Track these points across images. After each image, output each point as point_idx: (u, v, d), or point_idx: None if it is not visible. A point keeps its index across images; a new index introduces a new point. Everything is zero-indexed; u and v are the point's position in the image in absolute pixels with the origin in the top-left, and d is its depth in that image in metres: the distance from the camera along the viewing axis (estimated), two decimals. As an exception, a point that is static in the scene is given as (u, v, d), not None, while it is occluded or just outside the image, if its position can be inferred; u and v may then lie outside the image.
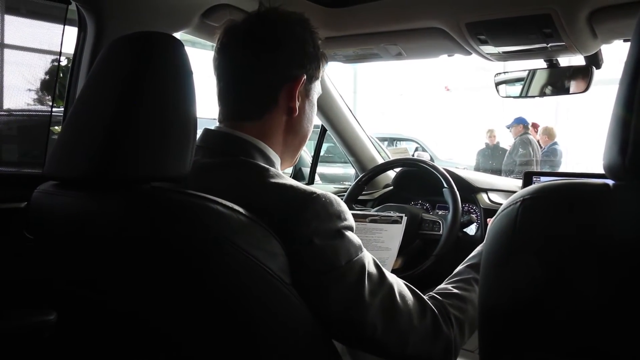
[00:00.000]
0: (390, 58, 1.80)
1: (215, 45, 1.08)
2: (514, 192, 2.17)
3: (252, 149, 1.02)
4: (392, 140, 10.49)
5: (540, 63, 1.75)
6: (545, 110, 10.86)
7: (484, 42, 1.52)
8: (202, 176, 0.96)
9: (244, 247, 0.81)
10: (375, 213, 1.90)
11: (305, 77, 1.06)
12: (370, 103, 13.43)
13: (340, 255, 0.90)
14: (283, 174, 0.99)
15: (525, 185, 2.15)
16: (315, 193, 0.91)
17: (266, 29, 1.04)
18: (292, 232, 0.87)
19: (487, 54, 1.61)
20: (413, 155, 4.05)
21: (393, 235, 1.72)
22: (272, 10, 1.06)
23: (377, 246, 1.71)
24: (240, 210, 0.84)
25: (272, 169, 0.98)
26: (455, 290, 1.09)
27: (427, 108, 14.02)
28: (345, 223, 0.93)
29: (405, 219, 1.76)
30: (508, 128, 8.29)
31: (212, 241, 0.80)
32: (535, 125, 8.35)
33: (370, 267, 0.94)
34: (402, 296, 0.97)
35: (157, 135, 0.84)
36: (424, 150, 10.01)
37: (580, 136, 10.93)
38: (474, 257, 1.22)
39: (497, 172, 7.87)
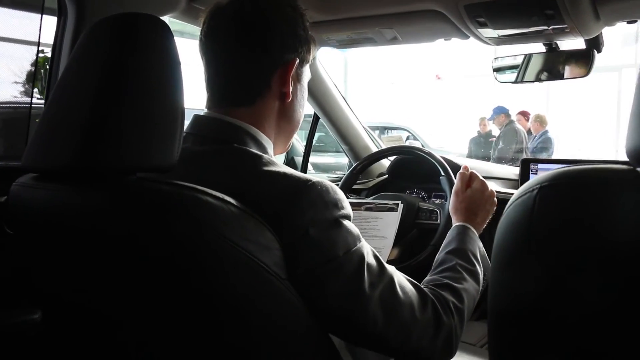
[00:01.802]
0: (385, 43, 1.75)
1: (201, 29, 1.03)
2: (512, 179, 2.16)
3: (244, 135, 0.98)
4: (383, 129, 10.45)
5: (537, 47, 1.71)
6: (537, 97, 10.85)
7: (483, 25, 1.47)
8: (192, 165, 0.92)
9: (236, 240, 0.77)
10: (371, 201, 1.86)
11: (297, 60, 1.02)
12: (362, 91, 13.36)
13: (338, 246, 0.86)
14: (277, 162, 0.95)
15: (523, 173, 2.12)
16: (310, 181, 0.87)
17: (255, 10, 0.99)
18: (287, 222, 0.83)
19: (486, 37, 1.56)
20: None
21: (389, 223, 1.69)
22: None
23: (372, 235, 1.68)
24: (232, 201, 0.80)
25: (265, 155, 0.94)
26: (446, 280, 1.07)
27: (418, 96, 13.99)
28: (343, 212, 0.90)
29: (401, 206, 1.72)
30: (490, 120, 8.27)
31: (202, 235, 0.76)
32: (525, 113, 8.32)
33: (369, 258, 0.91)
34: (402, 287, 0.94)
35: (143, 123, 0.79)
36: (415, 138, 10.00)
37: (571, 123, 10.95)
38: (452, 242, 1.22)
39: (489, 160, 7.86)
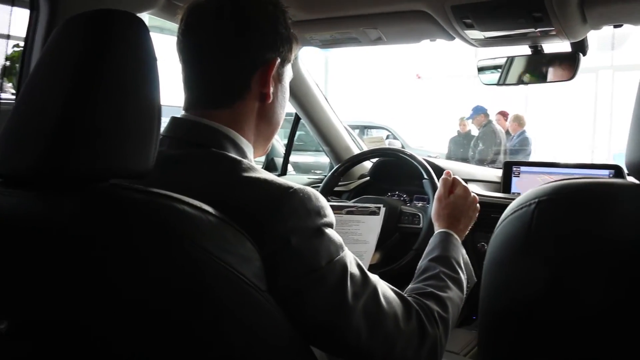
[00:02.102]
0: (369, 43, 1.71)
1: (179, 26, 0.98)
2: (494, 182, 2.15)
3: (223, 139, 0.94)
4: (363, 128, 10.45)
5: (520, 50, 1.70)
6: (516, 98, 10.93)
7: (470, 26, 1.45)
8: (168, 170, 0.88)
9: (215, 252, 0.74)
10: (352, 204, 1.83)
11: (278, 60, 0.98)
12: (342, 91, 13.35)
13: (321, 256, 0.83)
14: (257, 167, 0.91)
15: (505, 175, 2.11)
16: (292, 188, 0.84)
17: (235, 7, 0.95)
18: (268, 231, 0.80)
19: (472, 39, 1.54)
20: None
21: (371, 227, 1.66)
22: None
23: (354, 239, 1.65)
24: (210, 210, 0.76)
25: (244, 161, 0.91)
26: (430, 289, 1.05)
27: (398, 96, 14.02)
28: (326, 220, 0.87)
29: (383, 210, 1.69)
30: (468, 119, 8.30)
31: (179, 247, 0.72)
32: (504, 113, 8.36)
33: (352, 268, 0.88)
34: (386, 298, 0.91)
35: (117, 125, 0.74)
36: (395, 138, 10.00)
37: (548, 124, 11.06)
38: (435, 249, 1.20)
39: (468, 161, 7.89)
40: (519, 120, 7.91)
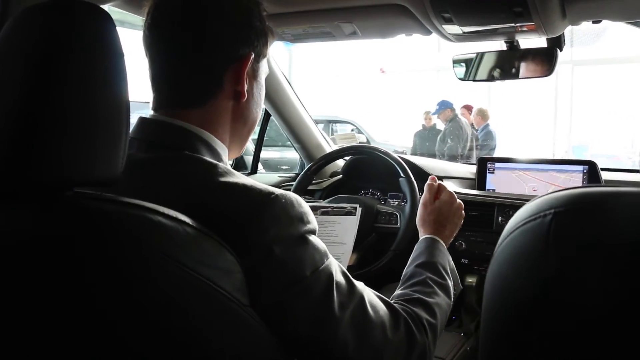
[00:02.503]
0: (344, 37, 1.66)
1: (144, 20, 0.91)
2: (468, 179, 2.13)
3: (196, 141, 0.88)
4: (327, 123, 10.42)
5: (492, 45, 1.67)
6: (479, 92, 11.05)
7: (448, 21, 1.40)
8: (138, 175, 0.81)
9: (193, 266, 0.69)
10: (327, 204, 1.78)
11: (253, 55, 0.92)
12: (306, 85, 13.29)
13: (305, 265, 0.79)
14: (234, 171, 0.86)
15: (480, 172, 2.09)
16: (273, 193, 0.79)
17: None
18: (249, 241, 0.75)
19: (450, 34, 1.50)
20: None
21: (347, 228, 1.62)
22: None
23: (330, 240, 1.60)
24: (187, 220, 0.71)
25: (220, 164, 0.85)
26: (417, 295, 1.02)
27: (362, 89, 14.04)
28: (309, 226, 0.83)
29: (359, 209, 1.65)
30: (434, 114, 8.33)
31: (154, 261, 0.67)
32: (468, 107, 8.43)
33: (338, 276, 0.84)
34: (373, 306, 0.88)
35: (81, 128, 0.67)
36: (360, 132, 9.99)
37: (511, 117, 11.22)
38: (421, 255, 1.17)
39: (434, 154, 7.92)
40: (482, 114, 7.98)
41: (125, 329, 0.66)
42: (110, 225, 0.66)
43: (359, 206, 1.68)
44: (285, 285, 0.77)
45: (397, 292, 1.06)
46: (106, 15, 0.71)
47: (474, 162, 2.24)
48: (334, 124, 10.73)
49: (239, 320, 0.73)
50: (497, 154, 7.83)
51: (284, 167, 4.67)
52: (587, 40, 10.07)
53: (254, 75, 0.95)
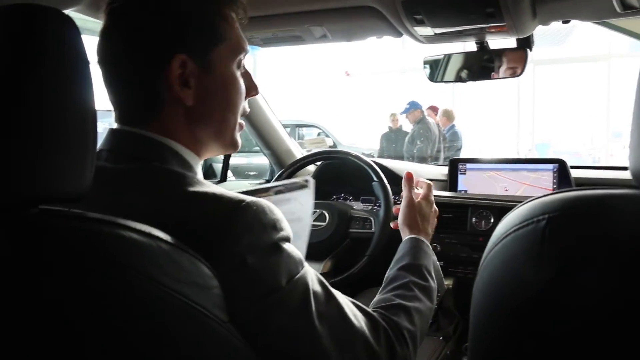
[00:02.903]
0: (313, 41, 1.64)
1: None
2: (441, 180, 2.12)
3: (164, 151, 0.85)
4: (294, 127, 10.41)
5: (466, 46, 1.67)
6: (443, 93, 11.17)
7: (420, 23, 1.39)
8: (107, 188, 0.78)
9: (170, 284, 0.65)
10: (278, 183, 1.74)
11: (186, 57, 0.84)
12: (271, 89, 13.27)
13: (280, 274, 0.76)
14: (204, 180, 0.83)
15: (451, 173, 2.09)
16: (244, 201, 0.76)
17: (144, 1, 0.85)
18: (221, 251, 0.72)
19: (421, 35, 1.49)
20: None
21: (303, 202, 1.58)
22: None
23: (288, 219, 1.56)
24: (161, 236, 0.68)
25: (188, 174, 0.82)
26: (398, 300, 0.99)
27: (328, 93, 14.07)
28: (283, 233, 0.80)
29: (312, 181, 1.61)
30: (404, 114, 8.37)
31: (128, 282, 0.63)
32: (434, 108, 8.50)
33: (315, 285, 0.81)
34: (353, 317, 0.85)
35: (45, 140, 0.63)
36: (326, 135, 10.00)
37: (475, 118, 11.39)
38: (405, 257, 1.13)
39: (401, 156, 7.96)
40: (448, 115, 8.06)
41: (99, 354, 0.62)
42: (79, 244, 0.62)
43: (312, 178, 1.65)
44: (261, 296, 0.74)
45: (379, 296, 1.04)
46: (69, 21, 0.67)
47: (442, 162, 2.25)
48: (300, 128, 10.72)
49: (218, 338, 0.70)
50: (463, 154, 7.92)
51: (252, 174, 4.63)
52: (547, 41, 10.28)
53: (205, 71, 0.87)
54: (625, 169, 2.12)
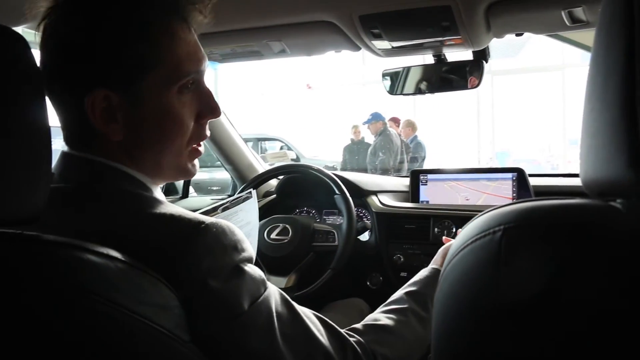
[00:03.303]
0: (272, 56, 1.64)
1: None
2: (403, 192, 2.14)
3: (113, 173, 0.81)
4: (256, 141, 10.38)
5: (424, 59, 1.70)
6: (405, 105, 11.30)
7: (377, 37, 1.41)
8: (61, 210, 0.75)
9: (130, 305, 0.64)
10: (225, 201, 1.74)
11: (108, 92, 0.77)
12: (233, 103, 13.20)
13: (243, 297, 0.75)
14: (161, 199, 0.81)
15: (413, 184, 2.10)
16: (203, 223, 0.74)
17: (72, 20, 0.78)
18: (182, 274, 0.71)
19: (379, 49, 1.51)
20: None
21: (249, 210, 1.60)
22: None
23: (239, 226, 1.56)
24: (118, 256, 0.66)
25: (144, 194, 0.81)
26: (385, 322, 0.98)
27: (289, 106, 14.08)
28: (244, 255, 0.78)
29: (254, 192, 1.62)
30: (365, 125, 8.43)
31: (87, 305, 0.61)
32: (396, 120, 8.58)
33: (279, 306, 0.81)
34: (321, 335, 0.84)
35: None
36: (289, 148, 9.99)
37: (437, 128, 11.54)
38: (415, 284, 1.09)
39: (364, 168, 8.00)
40: (412, 126, 8.15)
41: None
42: (34, 267, 0.61)
43: (253, 189, 1.64)
44: (224, 320, 0.73)
45: (372, 314, 1.03)
46: (19, 38, 0.65)
47: (405, 174, 2.26)
48: (262, 142, 10.69)
49: (181, 358, 0.69)
50: (426, 164, 8.00)
51: (215, 189, 4.58)
52: (502, 53, 10.52)
53: (134, 104, 0.79)
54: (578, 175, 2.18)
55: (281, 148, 10.17)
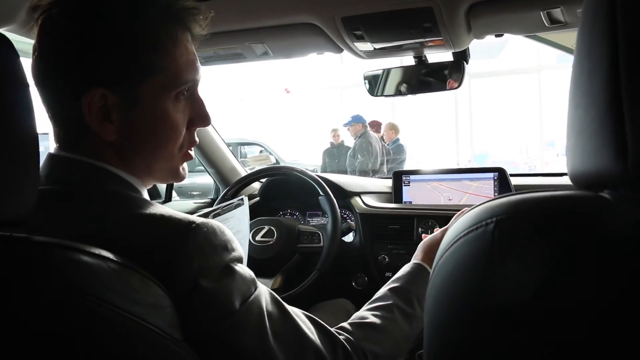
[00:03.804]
0: (255, 58, 1.64)
1: None
2: (386, 192, 2.15)
3: (102, 174, 0.81)
4: (236, 145, 10.34)
5: (405, 60, 1.71)
6: (383, 107, 11.37)
7: (360, 38, 1.43)
8: (48, 213, 0.74)
9: (121, 304, 0.64)
10: (216, 207, 1.75)
11: (106, 91, 0.78)
12: (211, 108, 13.15)
13: (234, 297, 0.75)
14: (150, 201, 0.81)
15: (396, 186, 2.12)
16: (194, 222, 0.75)
17: (69, 17, 0.78)
18: (173, 275, 0.71)
19: (361, 50, 1.52)
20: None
21: (240, 217, 1.60)
22: None
23: None
24: (110, 256, 0.66)
25: (133, 195, 0.81)
26: (372, 319, 0.99)
27: (268, 111, 14.08)
28: (234, 254, 0.79)
29: (245, 198, 1.63)
30: (346, 127, 8.45)
31: (79, 304, 0.61)
32: (376, 123, 8.61)
33: (269, 305, 0.81)
34: (312, 333, 0.85)
35: None
36: (269, 153, 9.97)
37: (416, 131, 11.62)
38: (398, 280, 1.10)
39: (344, 171, 8.02)
40: (394, 128, 8.19)
41: None
42: (25, 268, 0.61)
43: (245, 196, 1.65)
44: (216, 319, 0.74)
45: (359, 311, 1.04)
46: (6, 41, 0.65)
47: (387, 175, 2.28)
48: (242, 147, 10.66)
49: (173, 357, 0.69)
50: (407, 166, 8.05)
51: (196, 193, 4.56)
52: (482, 54, 10.63)
53: (130, 106, 0.80)
54: (560, 175, 2.21)
55: (261, 152, 10.15)
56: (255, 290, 0.80)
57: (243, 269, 0.80)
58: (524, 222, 0.52)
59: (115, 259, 0.66)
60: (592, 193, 0.52)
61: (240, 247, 0.82)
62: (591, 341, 0.47)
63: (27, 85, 0.66)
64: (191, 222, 0.75)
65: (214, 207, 1.72)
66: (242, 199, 1.64)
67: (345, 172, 7.75)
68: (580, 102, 0.53)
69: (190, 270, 0.72)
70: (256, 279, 0.82)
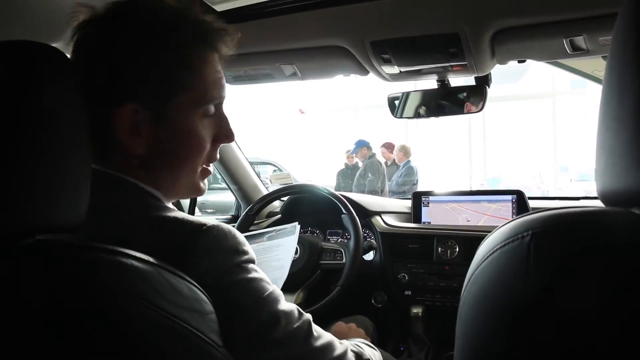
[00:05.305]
0: (283, 79, 1.69)
1: None
2: (406, 213, 2.19)
3: (124, 185, 0.84)
4: (250, 164, 10.35)
5: (428, 84, 1.75)
6: (397, 129, 11.38)
7: (387, 62, 1.47)
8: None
9: (170, 310, 0.67)
10: (271, 229, 1.78)
11: (138, 106, 0.81)
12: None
13: (246, 294, 0.78)
14: (168, 206, 0.84)
15: (415, 206, 2.15)
16: (205, 225, 0.77)
17: (113, 35, 0.82)
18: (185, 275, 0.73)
19: (387, 73, 1.56)
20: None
21: (287, 249, 1.64)
22: (131, 5, 0.83)
23: (272, 266, 1.61)
24: (159, 263, 0.69)
25: (151, 201, 0.83)
26: (357, 341, 1.04)
27: (282, 131, 14.15)
28: (245, 257, 0.80)
29: (297, 226, 1.66)
30: (352, 154, 8.50)
31: (133, 308, 0.64)
32: (389, 145, 8.63)
33: (283, 304, 0.83)
34: (321, 334, 0.88)
35: (42, 172, 0.64)
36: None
37: (430, 154, 11.62)
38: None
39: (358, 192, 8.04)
40: (405, 151, 8.19)
41: None
42: (80, 273, 0.63)
43: (297, 223, 1.68)
44: (232, 318, 0.76)
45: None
46: (62, 56, 0.69)
47: (405, 196, 2.31)
48: (255, 166, 10.65)
49: None
50: (419, 188, 8.05)
51: (210, 211, 4.58)
52: (496, 79, 10.66)
53: (159, 121, 0.84)
54: (577, 199, 2.23)
55: (274, 172, 10.17)
56: (270, 289, 0.81)
57: (256, 269, 0.81)
58: (558, 236, 0.56)
59: (163, 265, 0.69)
60: (623, 209, 0.56)
61: (252, 250, 0.83)
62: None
63: (82, 99, 0.70)
64: (202, 224, 0.77)
65: (269, 230, 1.76)
66: (294, 226, 1.66)
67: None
68: (610, 126, 0.56)
69: (198, 270, 0.74)
70: (270, 281, 0.84)
